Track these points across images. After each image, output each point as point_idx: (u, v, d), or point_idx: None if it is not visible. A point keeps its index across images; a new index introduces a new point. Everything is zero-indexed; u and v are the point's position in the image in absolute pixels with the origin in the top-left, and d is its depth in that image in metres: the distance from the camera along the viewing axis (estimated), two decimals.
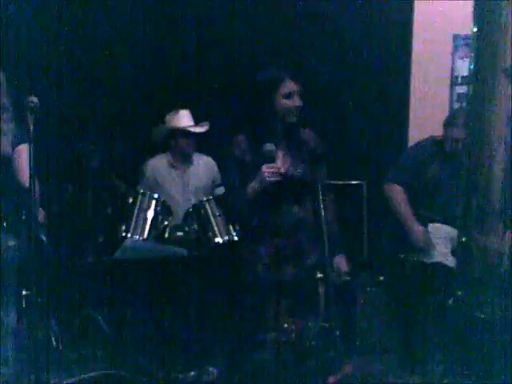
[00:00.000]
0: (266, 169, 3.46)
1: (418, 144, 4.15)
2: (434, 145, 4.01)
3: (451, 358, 3.10)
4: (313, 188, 3.48)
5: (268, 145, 3.48)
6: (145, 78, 4.83)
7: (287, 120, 3.56)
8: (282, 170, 3.53)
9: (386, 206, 4.08)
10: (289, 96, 3.52)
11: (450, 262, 3.83)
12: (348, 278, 3.67)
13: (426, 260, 3.85)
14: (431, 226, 3.91)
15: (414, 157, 4.04)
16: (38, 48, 4.56)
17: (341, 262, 3.64)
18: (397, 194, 3.99)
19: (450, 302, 3.25)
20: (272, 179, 3.46)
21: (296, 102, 3.52)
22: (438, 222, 3.91)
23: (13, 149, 3.83)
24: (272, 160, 3.48)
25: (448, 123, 3.98)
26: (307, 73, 4.61)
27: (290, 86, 3.53)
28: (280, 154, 3.66)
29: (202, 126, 4.49)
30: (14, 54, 4.45)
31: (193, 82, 4.78)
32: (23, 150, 3.87)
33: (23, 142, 3.85)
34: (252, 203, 3.59)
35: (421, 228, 3.89)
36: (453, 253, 3.83)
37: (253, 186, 3.55)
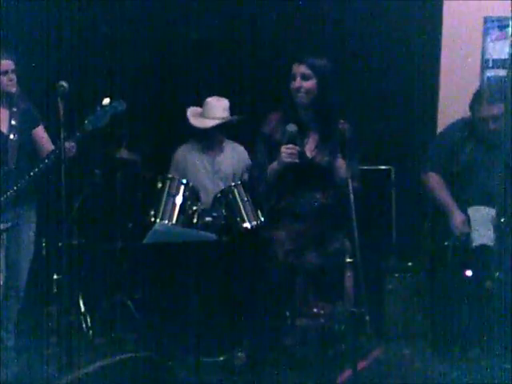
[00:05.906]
0: (284, 149, 3.47)
1: (448, 128, 4.10)
2: (465, 127, 3.96)
3: (489, 341, 3.06)
4: (340, 176, 3.45)
5: (290, 125, 3.49)
6: (175, 63, 4.84)
7: (297, 101, 3.56)
8: (308, 154, 3.51)
9: (426, 194, 4.03)
10: (293, 78, 3.55)
11: (494, 243, 3.78)
12: None
13: (471, 245, 3.78)
14: (471, 209, 3.85)
15: (446, 142, 3.98)
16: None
17: None
18: (434, 181, 3.95)
19: (488, 283, 3.20)
20: (289, 160, 3.46)
21: (297, 83, 3.53)
22: (477, 204, 3.86)
23: (29, 132, 3.83)
24: (292, 141, 3.48)
25: (474, 104, 3.91)
26: (337, 58, 4.58)
27: (295, 68, 3.55)
28: (308, 140, 3.65)
29: (211, 119, 4.41)
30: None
31: (222, 70, 4.78)
32: (41, 132, 3.90)
33: (38, 124, 3.88)
34: (275, 186, 3.60)
35: (462, 215, 3.83)
36: (495, 233, 3.79)
37: (273, 166, 3.57)
